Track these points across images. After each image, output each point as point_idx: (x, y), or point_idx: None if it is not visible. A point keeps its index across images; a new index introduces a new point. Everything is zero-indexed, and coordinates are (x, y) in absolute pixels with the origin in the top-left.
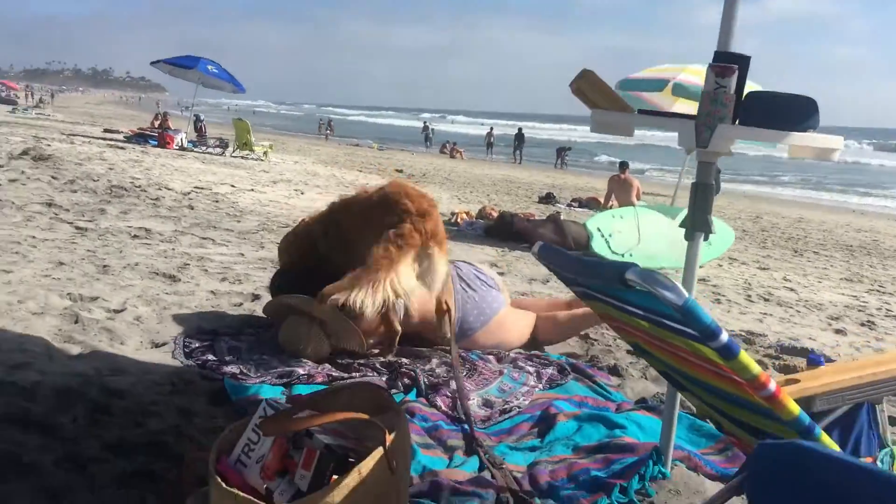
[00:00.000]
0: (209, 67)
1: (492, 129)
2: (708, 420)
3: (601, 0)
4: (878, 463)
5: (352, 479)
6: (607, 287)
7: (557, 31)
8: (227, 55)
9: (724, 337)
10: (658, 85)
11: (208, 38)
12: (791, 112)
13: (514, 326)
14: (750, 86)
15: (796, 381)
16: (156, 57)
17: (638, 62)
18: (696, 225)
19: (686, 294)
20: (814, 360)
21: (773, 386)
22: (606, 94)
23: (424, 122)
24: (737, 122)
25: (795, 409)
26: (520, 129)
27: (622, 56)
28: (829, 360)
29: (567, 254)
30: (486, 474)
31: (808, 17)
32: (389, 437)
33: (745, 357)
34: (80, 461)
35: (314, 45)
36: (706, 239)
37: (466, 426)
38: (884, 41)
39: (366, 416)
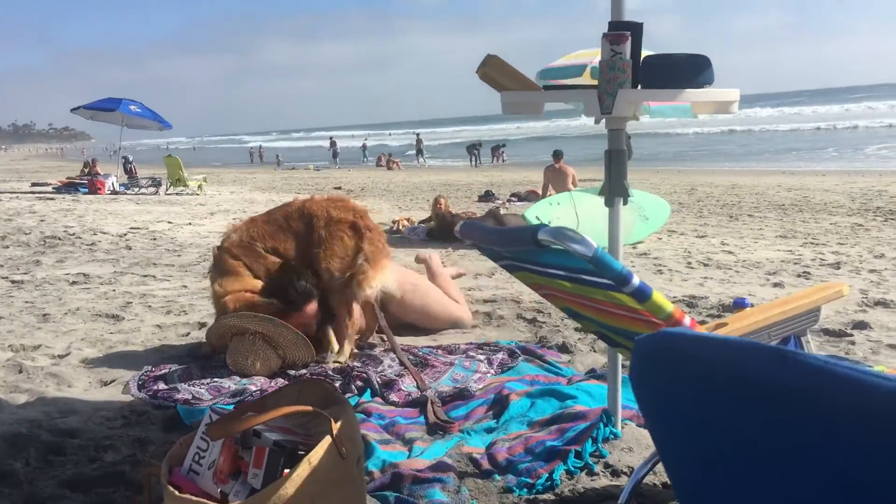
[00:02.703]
0: (131, 107)
1: (418, 135)
2: None
3: None
4: None
5: (303, 470)
6: (525, 252)
7: (472, 29)
8: (151, 96)
9: (636, 281)
10: (577, 71)
11: (130, 80)
12: (685, 69)
13: (410, 274)
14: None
15: (724, 324)
16: (76, 104)
17: (557, 51)
18: (614, 190)
19: (594, 244)
20: (739, 303)
21: (687, 321)
22: (512, 76)
23: (331, 139)
24: (638, 87)
25: None
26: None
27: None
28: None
29: (485, 226)
30: (447, 459)
31: None
32: (336, 425)
33: (659, 297)
34: (37, 501)
35: (238, 75)
36: (625, 203)
37: (422, 418)
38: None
39: (309, 408)
